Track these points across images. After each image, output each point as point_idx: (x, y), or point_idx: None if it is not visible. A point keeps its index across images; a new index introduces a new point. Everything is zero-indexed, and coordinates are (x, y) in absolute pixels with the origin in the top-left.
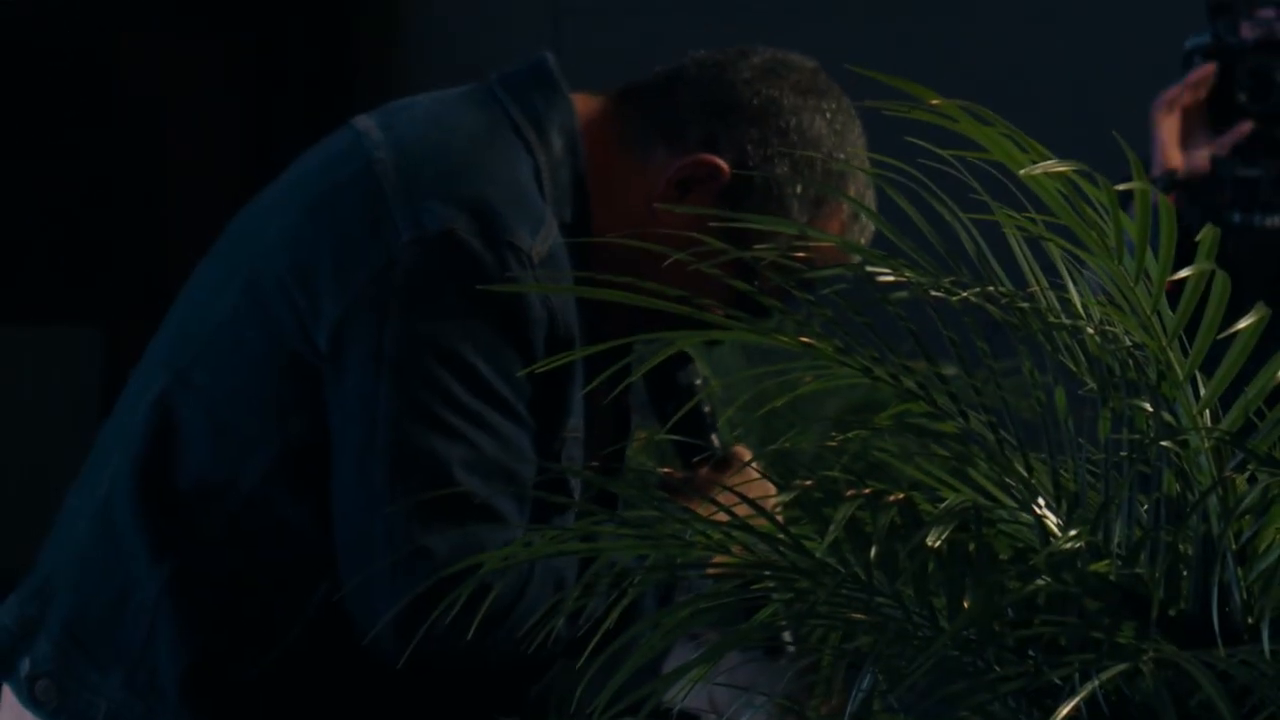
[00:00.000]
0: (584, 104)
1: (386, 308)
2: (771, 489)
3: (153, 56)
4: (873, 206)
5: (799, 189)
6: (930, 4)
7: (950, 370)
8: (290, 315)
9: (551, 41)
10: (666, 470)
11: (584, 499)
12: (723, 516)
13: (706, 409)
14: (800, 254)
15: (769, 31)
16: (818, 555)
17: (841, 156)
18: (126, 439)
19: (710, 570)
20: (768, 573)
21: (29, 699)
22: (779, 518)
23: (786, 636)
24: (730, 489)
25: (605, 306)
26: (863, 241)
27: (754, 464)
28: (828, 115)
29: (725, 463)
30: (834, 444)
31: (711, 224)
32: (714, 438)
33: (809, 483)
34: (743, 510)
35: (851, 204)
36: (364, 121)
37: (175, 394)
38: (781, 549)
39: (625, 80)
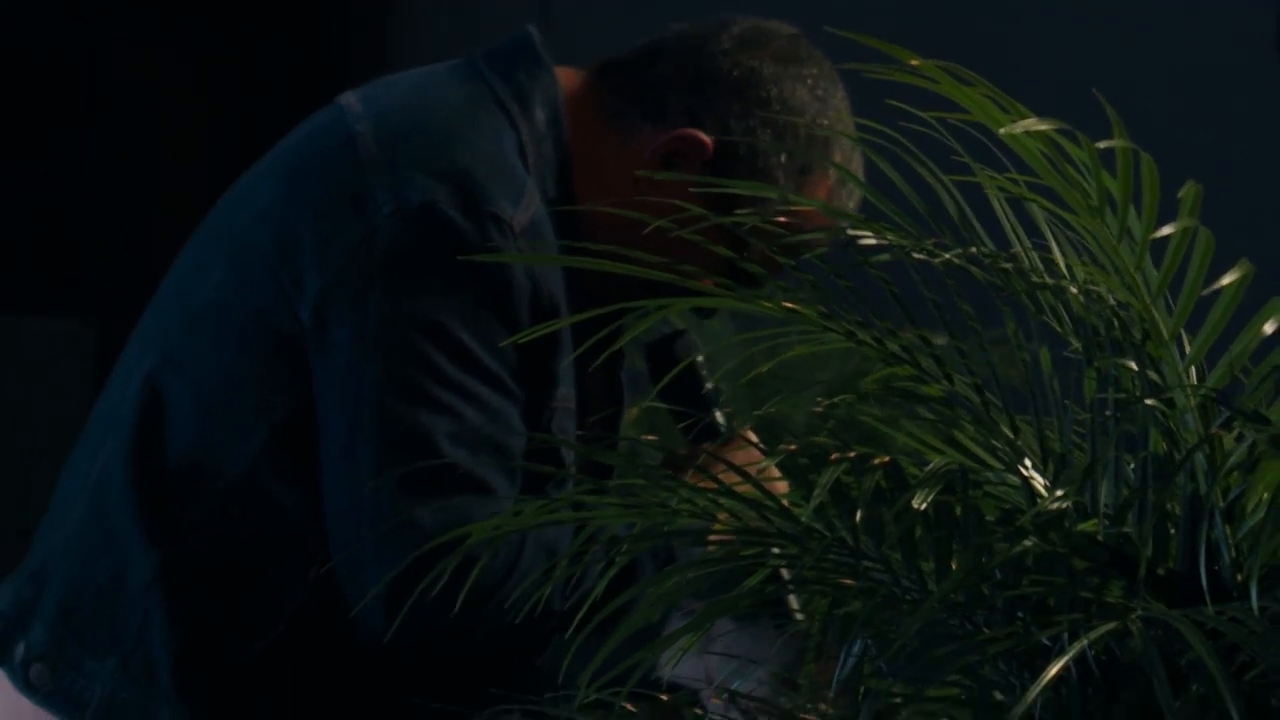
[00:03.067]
0: (567, 78)
1: (369, 281)
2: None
3: (140, 54)
4: (859, 172)
5: (783, 158)
6: None
7: (936, 335)
8: (274, 290)
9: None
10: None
11: (575, 470)
12: (713, 486)
13: (707, 385)
14: (782, 218)
15: (753, 6)
16: (803, 520)
17: (825, 123)
18: (117, 421)
19: (712, 540)
20: (754, 539)
21: (23, 683)
22: (777, 488)
23: (793, 603)
24: (730, 464)
25: (590, 278)
26: (850, 207)
27: (756, 440)
28: (809, 82)
29: (728, 439)
30: (820, 410)
31: (692, 189)
32: (716, 413)
33: (793, 447)
34: (740, 483)
35: (837, 170)
36: (347, 97)
37: (163, 374)
38: (768, 515)
39: (609, 51)
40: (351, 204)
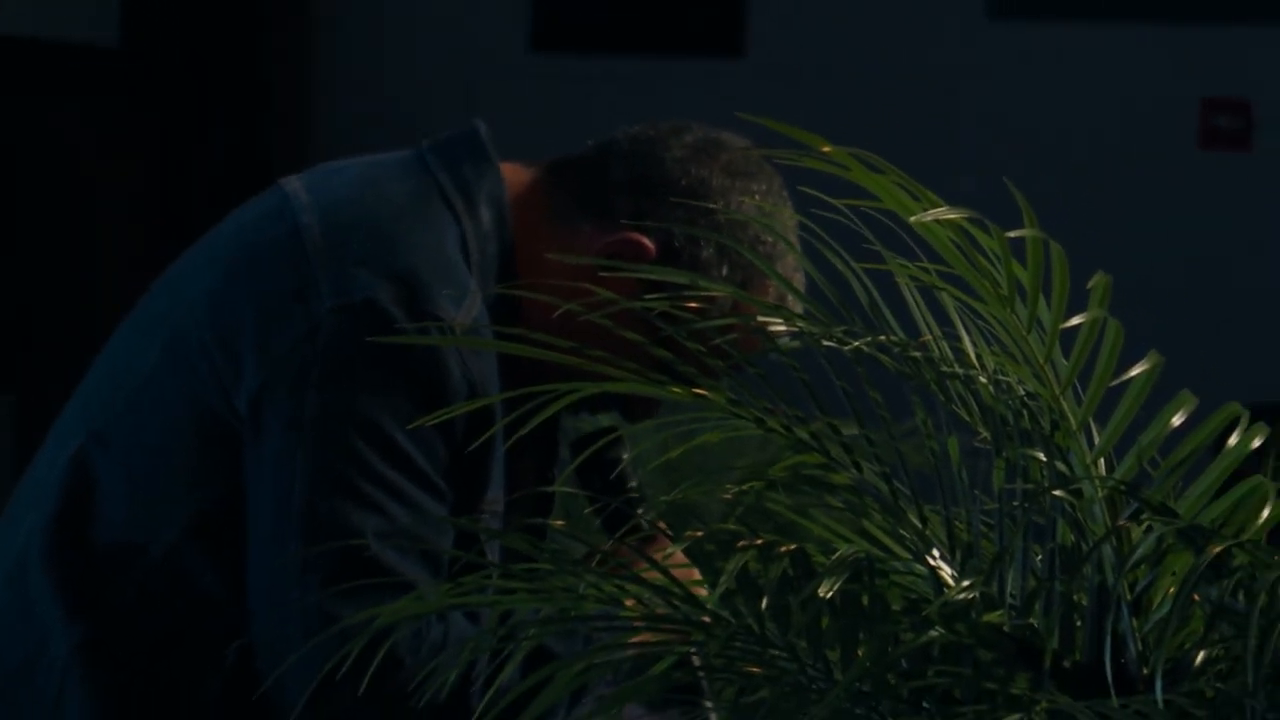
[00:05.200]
0: (514, 174)
1: (307, 375)
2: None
3: (65, 126)
4: (801, 288)
5: (725, 270)
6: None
7: (845, 423)
8: (211, 377)
9: (462, 105)
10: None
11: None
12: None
13: (634, 484)
14: (693, 304)
15: (675, 104)
16: (710, 607)
17: (769, 239)
18: (42, 497)
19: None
20: (661, 625)
21: None
22: (692, 576)
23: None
24: (639, 552)
25: (526, 380)
26: None
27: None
28: (757, 197)
29: (649, 536)
30: (730, 497)
31: (602, 274)
32: (639, 510)
33: (700, 534)
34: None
35: (779, 283)
36: (292, 183)
37: (92, 453)
38: (675, 601)
39: (532, 155)
40: (294, 296)
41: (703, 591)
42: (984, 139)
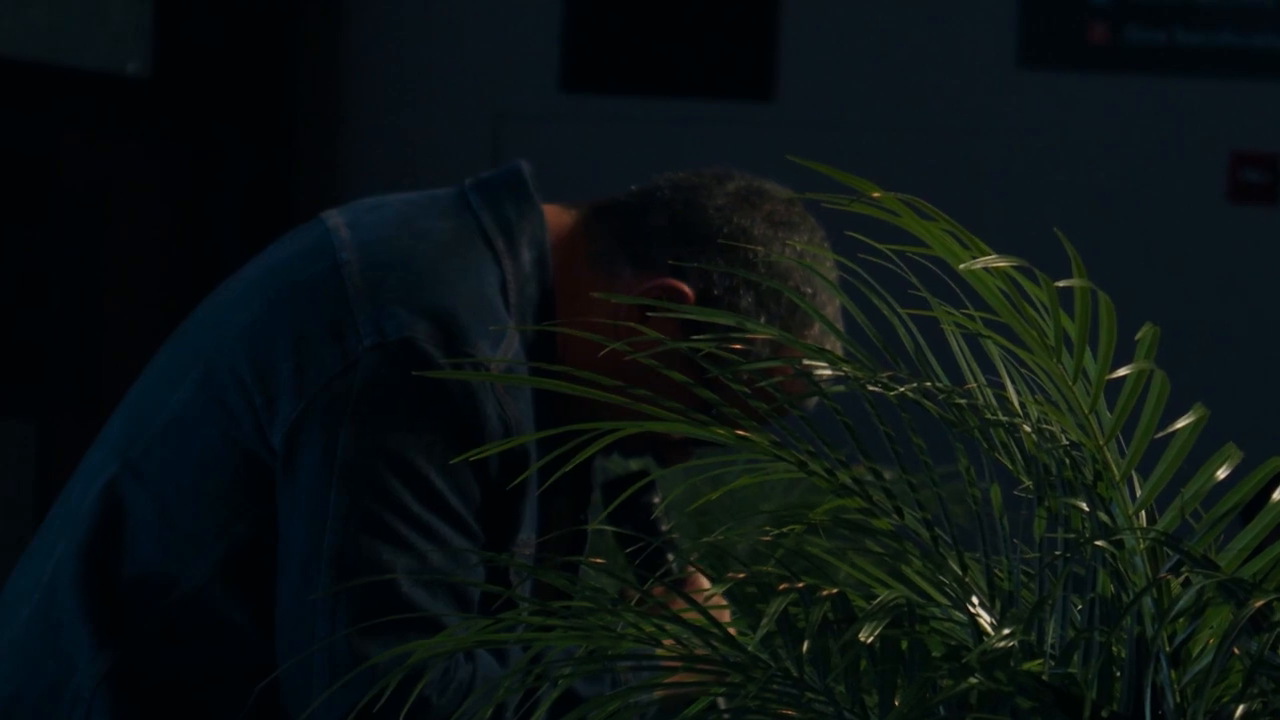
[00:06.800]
0: (556, 216)
1: (342, 412)
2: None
3: (90, 154)
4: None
5: (763, 320)
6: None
7: (888, 471)
8: (246, 412)
9: (490, 143)
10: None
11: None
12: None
13: (665, 528)
14: (737, 345)
15: (704, 147)
16: (749, 649)
17: (808, 290)
18: (74, 525)
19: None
20: (699, 666)
21: None
22: (721, 617)
23: None
24: (678, 591)
25: (561, 423)
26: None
27: (704, 570)
28: (798, 248)
29: (681, 582)
30: (768, 539)
31: (652, 314)
32: (670, 557)
33: (742, 575)
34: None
35: (823, 325)
36: (334, 218)
37: (125, 483)
38: (713, 642)
39: (560, 195)
40: (332, 334)
41: (734, 633)
42: (1012, 187)
